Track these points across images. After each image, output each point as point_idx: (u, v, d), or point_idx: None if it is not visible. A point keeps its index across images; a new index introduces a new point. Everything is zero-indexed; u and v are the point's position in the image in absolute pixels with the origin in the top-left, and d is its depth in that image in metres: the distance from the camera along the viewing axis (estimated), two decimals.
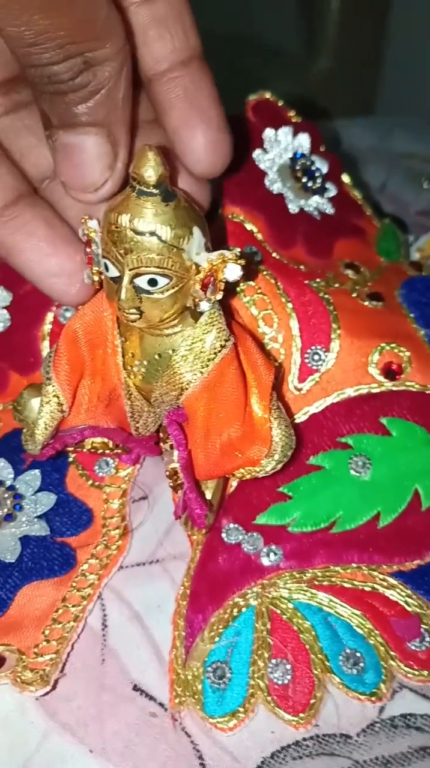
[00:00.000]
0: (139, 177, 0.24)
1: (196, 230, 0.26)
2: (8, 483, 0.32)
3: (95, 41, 0.23)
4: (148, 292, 0.26)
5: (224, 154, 0.28)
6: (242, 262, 0.26)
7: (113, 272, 0.26)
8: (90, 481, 0.33)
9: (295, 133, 0.39)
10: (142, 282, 0.26)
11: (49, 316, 0.35)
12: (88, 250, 0.27)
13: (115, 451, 0.32)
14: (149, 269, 0.25)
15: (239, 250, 0.26)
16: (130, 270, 0.25)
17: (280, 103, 0.41)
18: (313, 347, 0.34)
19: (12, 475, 0.33)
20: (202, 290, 0.27)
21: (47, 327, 0.35)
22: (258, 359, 0.29)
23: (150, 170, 0.24)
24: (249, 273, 0.32)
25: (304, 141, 0.39)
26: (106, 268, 0.26)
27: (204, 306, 0.27)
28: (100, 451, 0.32)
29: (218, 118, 0.27)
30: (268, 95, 0.41)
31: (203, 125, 0.27)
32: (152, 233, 0.25)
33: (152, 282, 0.26)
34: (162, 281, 0.26)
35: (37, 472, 0.33)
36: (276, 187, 0.38)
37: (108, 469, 0.34)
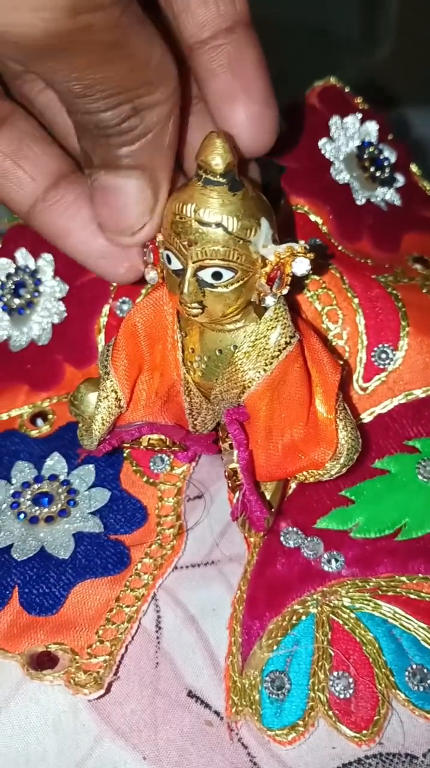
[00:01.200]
0: (205, 165, 0.23)
1: (263, 221, 0.25)
2: (62, 477, 0.32)
3: (146, 87, 0.22)
4: (212, 286, 0.25)
5: (268, 130, 0.25)
6: (311, 255, 0.25)
7: (176, 265, 0.25)
8: (145, 478, 0.33)
9: (362, 121, 0.38)
10: (205, 275, 0.25)
11: (106, 309, 0.34)
12: (149, 247, 0.26)
13: (172, 448, 0.31)
14: (214, 262, 0.24)
15: (315, 242, 0.25)
16: (193, 263, 0.24)
17: (346, 90, 0.40)
18: (380, 345, 0.32)
19: (66, 469, 0.32)
20: (268, 284, 0.25)
21: (103, 320, 0.34)
22: (324, 357, 0.28)
23: (217, 158, 0.23)
24: (317, 267, 0.31)
25: (372, 129, 0.38)
26: (169, 261, 0.25)
27: (269, 301, 0.26)
28: (157, 448, 0.31)
29: (264, 91, 0.25)
30: (334, 81, 0.39)
31: (246, 97, 0.25)
32: (218, 224, 0.24)
33: (217, 275, 0.25)
34: (227, 275, 0.25)
35: (91, 467, 0.32)
36: (342, 177, 0.36)
37: (163, 466, 0.33)
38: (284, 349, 0.27)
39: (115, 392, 0.28)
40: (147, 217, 0.25)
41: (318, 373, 0.28)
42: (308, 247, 0.25)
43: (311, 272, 0.25)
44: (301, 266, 0.25)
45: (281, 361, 0.27)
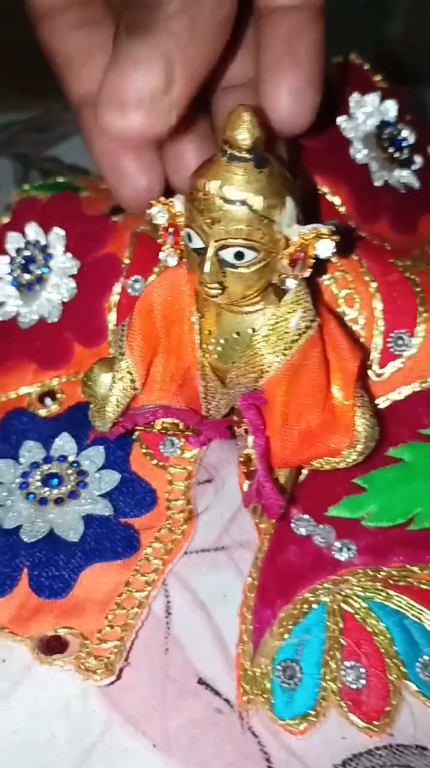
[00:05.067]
0: (231, 140, 0.22)
1: (289, 200, 0.24)
2: (72, 459, 0.31)
3: None
4: (233, 266, 0.24)
5: (307, 108, 0.25)
6: (337, 238, 0.24)
7: (197, 243, 0.24)
8: (155, 461, 0.32)
9: (382, 99, 0.37)
10: (227, 255, 0.24)
11: (117, 287, 0.34)
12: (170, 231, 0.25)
13: (185, 432, 0.31)
14: (237, 241, 0.24)
15: (333, 223, 0.24)
16: (216, 241, 0.24)
17: (366, 67, 0.39)
18: (397, 331, 0.32)
19: (75, 450, 0.31)
20: (291, 266, 0.25)
21: (115, 298, 0.34)
22: (343, 343, 0.28)
23: (244, 132, 0.22)
24: (342, 250, 0.30)
25: (391, 108, 0.37)
26: (189, 239, 0.25)
27: (290, 283, 0.25)
28: (170, 432, 0.30)
29: (312, 70, 0.25)
30: (353, 57, 0.38)
31: (292, 71, 0.24)
32: (243, 202, 0.23)
33: (239, 255, 0.24)
34: (249, 255, 0.24)
35: (101, 448, 0.31)
36: (361, 157, 0.35)
37: (173, 449, 0.32)
38: (304, 333, 0.26)
39: (130, 373, 0.27)
40: (148, 99, 0.23)
41: (337, 358, 0.27)
42: (334, 228, 0.24)
43: (335, 255, 0.24)
44: (325, 249, 0.24)
45: (301, 345, 0.26)
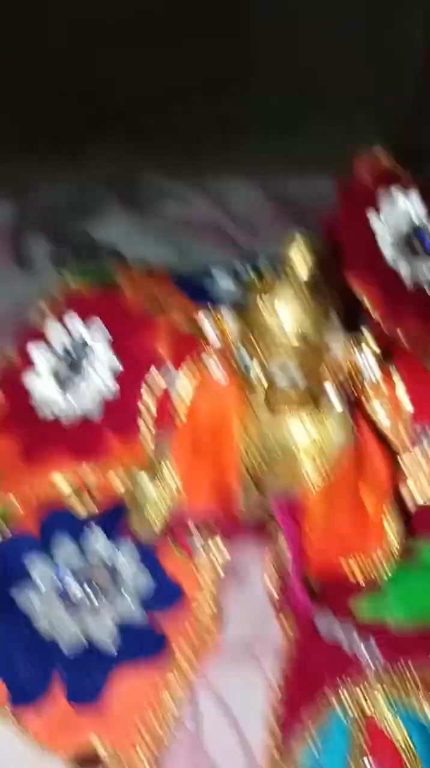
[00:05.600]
0: (288, 265, 0.24)
1: (333, 318, 0.25)
2: (105, 558, 0.32)
3: None
4: (279, 380, 0.25)
5: None
6: (379, 353, 0.25)
7: (244, 357, 0.26)
8: (185, 559, 0.33)
9: (408, 194, 0.38)
10: (274, 369, 0.25)
11: (156, 384, 0.35)
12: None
13: (221, 533, 0.31)
14: (283, 359, 0.25)
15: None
16: (263, 357, 0.25)
17: (391, 161, 0.40)
18: (422, 423, 0.33)
19: (109, 549, 0.32)
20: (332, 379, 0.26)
21: (153, 395, 0.35)
22: (376, 452, 0.29)
23: (299, 258, 0.24)
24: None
25: (417, 204, 0.38)
26: (238, 352, 0.26)
27: (331, 396, 0.26)
28: (205, 533, 0.31)
29: None
30: (381, 154, 0.40)
31: None
32: (292, 322, 0.24)
33: (285, 369, 0.25)
34: (295, 370, 0.25)
35: (134, 547, 0.32)
36: (388, 253, 0.37)
37: (205, 549, 0.33)
38: (340, 444, 0.27)
39: (173, 478, 0.28)
40: None
41: (369, 467, 0.28)
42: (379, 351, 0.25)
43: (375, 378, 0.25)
44: (367, 371, 0.25)
45: (337, 455, 0.27)
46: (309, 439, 0.27)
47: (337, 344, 0.25)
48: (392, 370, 0.33)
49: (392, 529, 0.28)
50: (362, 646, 0.29)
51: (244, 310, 0.25)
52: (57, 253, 0.53)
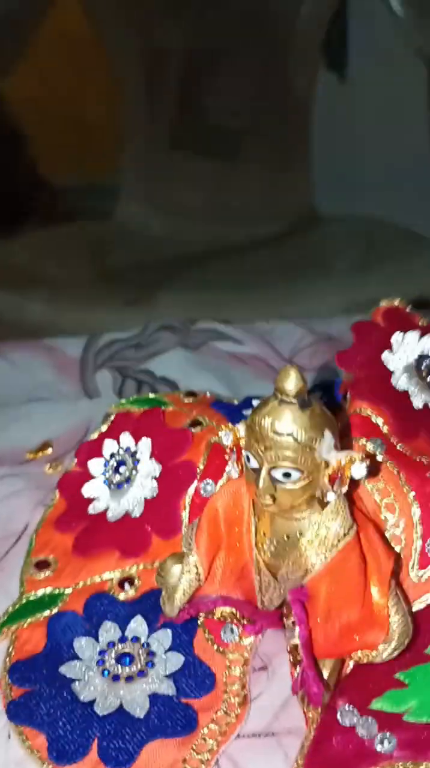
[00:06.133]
0: (281, 389, 0.29)
1: (327, 433, 0.30)
2: (143, 640, 0.36)
3: None
4: (283, 483, 0.30)
5: None
6: (367, 462, 0.30)
7: (254, 464, 0.30)
8: (215, 646, 0.36)
9: (421, 336, 0.44)
10: (277, 474, 0.30)
11: (192, 489, 0.40)
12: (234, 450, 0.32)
13: (242, 621, 0.35)
14: (285, 464, 0.30)
15: (364, 444, 0.30)
16: (268, 463, 0.30)
17: (408, 309, 0.46)
18: None
19: (147, 632, 0.36)
20: (330, 483, 0.30)
21: (189, 498, 0.40)
22: (379, 547, 0.32)
23: (291, 384, 0.29)
24: (372, 470, 0.36)
25: (428, 343, 0.44)
26: (248, 459, 0.31)
27: (331, 496, 0.31)
28: (228, 620, 0.35)
29: None
30: (397, 302, 0.46)
31: None
32: (289, 434, 0.29)
33: (287, 474, 0.30)
34: (295, 474, 0.30)
35: (169, 631, 0.36)
36: (401, 385, 0.42)
37: (232, 637, 0.36)
38: (343, 538, 0.31)
39: (196, 567, 0.32)
40: None
41: (373, 560, 0.32)
42: (364, 455, 0.30)
43: (366, 476, 0.30)
44: (358, 471, 0.30)
45: (340, 549, 0.31)
46: (312, 530, 0.31)
47: (332, 456, 0.30)
48: (402, 483, 0.37)
49: (396, 621, 0.31)
50: (385, 742, 0.31)
51: (253, 424, 0.30)
52: (121, 385, 0.60)
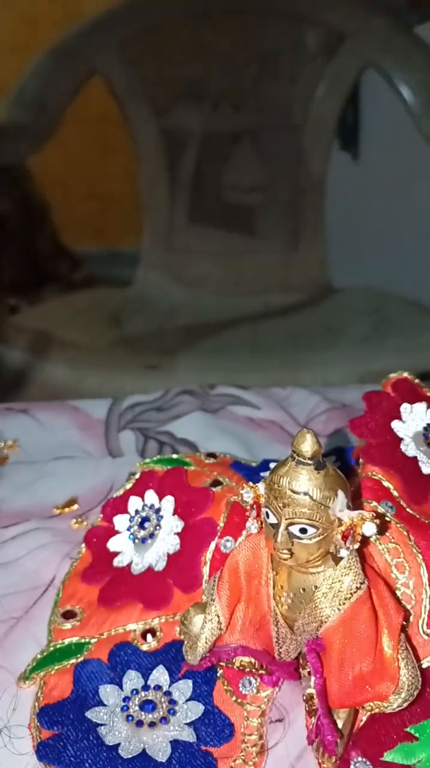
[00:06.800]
0: (298, 451, 0.32)
1: (340, 493, 0.33)
2: (165, 688, 0.37)
3: None
4: (299, 538, 0.33)
5: None
6: (377, 521, 0.32)
7: (272, 519, 0.33)
8: (234, 697, 0.38)
9: (429, 407, 0.47)
10: (294, 529, 0.32)
11: (212, 545, 0.42)
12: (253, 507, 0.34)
13: (260, 671, 0.37)
14: (301, 521, 0.32)
15: (375, 506, 0.33)
16: (286, 519, 0.32)
17: (416, 381, 0.49)
18: None
19: (169, 681, 0.38)
20: (343, 540, 0.33)
21: (209, 554, 0.42)
22: (389, 602, 0.34)
23: (307, 447, 0.32)
24: (381, 529, 0.38)
25: None
26: (267, 515, 0.33)
27: (343, 552, 0.33)
28: (247, 669, 0.37)
29: None
30: (406, 374, 0.49)
31: None
32: (306, 493, 0.32)
33: (303, 530, 0.32)
34: (311, 530, 0.32)
35: (190, 682, 0.38)
36: (411, 452, 0.45)
37: (250, 688, 0.38)
38: (355, 592, 0.33)
39: (218, 617, 0.35)
40: None
41: (384, 615, 0.34)
42: (375, 514, 0.32)
43: (376, 534, 0.32)
44: (369, 529, 0.32)
45: (353, 602, 0.33)
46: (327, 584, 0.33)
47: (345, 514, 0.33)
48: (412, 544, 0.39)
49: (406, 674, 0.33)
50: None
51: (272, 483, 0.33)
52: (143, 445, 0.63)
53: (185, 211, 1.34)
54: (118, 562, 0.43)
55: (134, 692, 0.37)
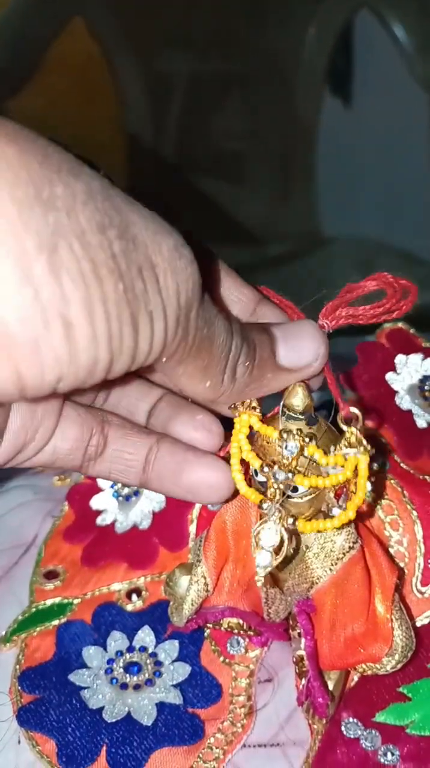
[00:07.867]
0: (289, 405, 0.30)
1: (332, 449, 0.31)
2: (151, 649, 0.36)
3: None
4: (289, 497, 0.31)
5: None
6: (373, 479, 0.31)
7: (261, 478, 0.31)
8: (221, 658, 0.37)
9: (424, 358, 0.45)
10: (282, 486, 0.31)
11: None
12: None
13: (248, 632, 0.36)
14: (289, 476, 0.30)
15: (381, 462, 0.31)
16: (274, 477, 0.31)
17: (411, 331, 0.47)
18: None
19: (154, 642, 0.37)
20: (335, 498, 0.31)
21: (196, 512, 0.41)
22: (382, 561, 0.33)
23: (298, 401, 0.30)
24: (377, 487, 0.37)
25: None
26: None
27: (336, 511, 0.32)
28: (235, 631, 0.36)
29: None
30: (401, 324, 0.47)
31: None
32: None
33: (294, 489, 0.31)
34: (302, 489, 0.31)
35: (176, 642, 0.37)
36: (405, 404, 0.43)
37: (239, 648, 0.37)
38: (347, 552, 0.32)
39: (205, 578, 0.33)
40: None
41: (377, 574, 0.33)
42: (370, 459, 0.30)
43: (371, 492, 0.31)
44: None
45: (345, 562, 0.32)
46: (318, 544, 0.32)
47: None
48: (406, 500, 0.38)
49: (400, 635, 0.32)
50: (388, 754, 0.32)
51: (255, 445, 0.31)
52: None
53: (172, 158, 1.30)
54: (101, 520, 0.42)
55: (119, 654, 0.36)
